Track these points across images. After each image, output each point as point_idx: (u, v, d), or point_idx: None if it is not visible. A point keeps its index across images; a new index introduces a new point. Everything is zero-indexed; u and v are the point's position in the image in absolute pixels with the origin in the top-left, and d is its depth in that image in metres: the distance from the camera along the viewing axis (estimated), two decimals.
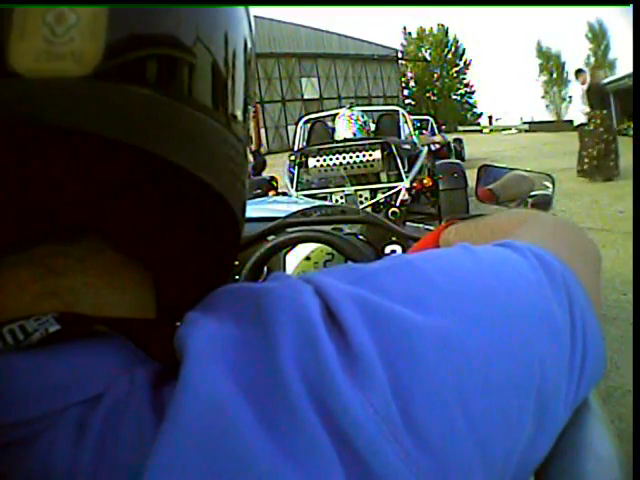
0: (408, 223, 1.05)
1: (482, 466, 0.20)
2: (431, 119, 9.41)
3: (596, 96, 6.10)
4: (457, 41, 40.54)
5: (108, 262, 0.25)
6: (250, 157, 5.28)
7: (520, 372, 0.22)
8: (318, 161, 3.82)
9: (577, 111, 6.46)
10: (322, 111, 6.21)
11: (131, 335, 0.23)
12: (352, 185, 3.85)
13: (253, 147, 5.45)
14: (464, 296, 0.23)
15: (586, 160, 6.12)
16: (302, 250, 0.94)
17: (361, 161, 3.78)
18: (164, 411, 0.18)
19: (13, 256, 0.23)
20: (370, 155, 3.77)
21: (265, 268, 0.91)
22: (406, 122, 4.89)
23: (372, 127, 4.85)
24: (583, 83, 6.21)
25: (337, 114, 4.71)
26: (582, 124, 6.43)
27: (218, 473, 0.17)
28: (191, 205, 0.27)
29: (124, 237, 0.26)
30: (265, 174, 5.14)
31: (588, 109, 6.19)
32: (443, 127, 13.04)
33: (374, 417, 0.18)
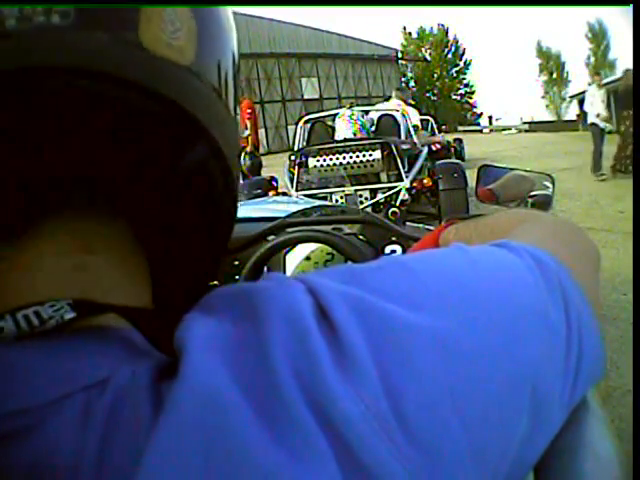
0: (408, 223, 1.05)
1: (475, 463, 0.20)
2: (431, 119, 9.39)
3: (627, 97, 6.16)
4: (457, 41, 40.53)
5: (125, 250, 0.27)
6: (247, 158, 5.28)
7: (513, 371, 0.23)
8: (318, 161, 3.82)
9: (592, 113, 6.52)
10: (322, 111, 6.20)
11: (138, 324, 0.24)
12: (352, 185, 3.85)
13: (249, 149, 5.42)
14: (456, 296, 0.23)
15: (629, 162, 6.20)
16: (302, 250, 0.94)
17: (361, 161, 3.78)
18: (162, 403, 0.19)
19: (56, 226, 0.25)
20: (370, 155, 3.77)
21: (265, 268, 0.91)
22: (406, 122, 4.89)
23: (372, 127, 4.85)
24: (600, 84, 6.32)
25: (337, 114, 4.71)
26: (593, 123, 6.50)
27: (214, 463, 0.17)
28: (201, 187, 0.28)
29: (144, 223, 0.28)
30: (264, 174, 5.14)
31: (602, 111, 6.27)
32: (443, 127, 13.00)
33: (365, 413, 0.19)
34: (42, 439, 0.19)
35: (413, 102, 5.41)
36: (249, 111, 5.38)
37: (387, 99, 5.58)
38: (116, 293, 0.26)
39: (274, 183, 4.39)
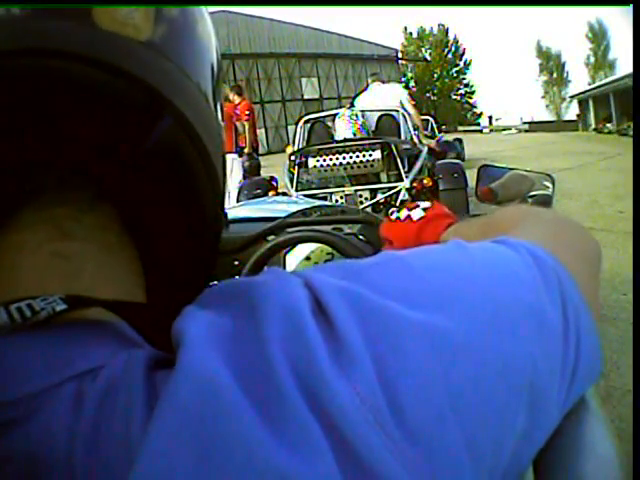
0: None
1: (471, 458, 0.20)
2: (431, 119, 9.38)
3: None
4: (457, 41, 40.54)
5: (108, 240, 0.27)
6: (245, 159, 5.28)
7: (509, 368, 0.23)
8: (318, 161, 3.82)
9: None
10: (322, 111, 6.19)
11: (129, 319, 0.24)
12: (352, 185, 3.85)
13: (247, 149, 5.42)
14: (453, 292, 0.23)
15: None
16: (302, 250, 0.94)
17: (361, 161, 3.77)
18: (156, 393, 0.19)
19: (32, 214, 0.26)
20: (370, 155, 3.76)
21: (265, 268, 0.91)
22: (406, 122, 4.89)
23: (372, 127, 4.85)
24: None
25: (337, 114, 4.71)
26: None
27: (211, 452, 0.18)
28: (186, 177, 0.28)
29: (130, 210, 0.29)
30: (264, 174, 5.14)
31: None
32: (443, 127, 13.00)
33: (360, 405, 0.19)
34: (36, 428, 0.19)
35: (414, 102, 5.30)
36: (247, 112, 5.38)
37: (358, 94, 5.43)
38: (101, 283, 0.26)
39: (274, 183, 4.39)
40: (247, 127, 5.36)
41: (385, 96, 4.89)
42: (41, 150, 0.26)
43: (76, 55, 0.23)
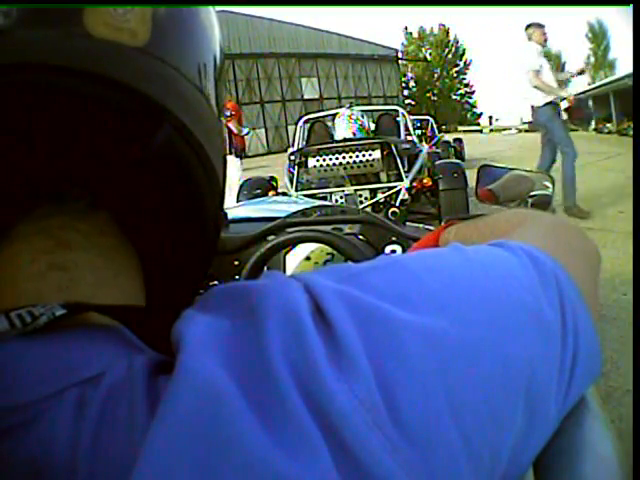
0: (408, 223, 1.04)
1: (468, 460, 0.20)
2: (431, 119, 9.38)
3: None
4: (457, 41, 40.55)
5: (107, 245, 0.27)
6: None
7: (507, 370, 0.23)
8: (318, 161, 3.82)
9: None
10: (322, 111, 6.18)
11: (128, 324, 0.24)
12: (352, 185, 3.85)
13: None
14: (451, 294, 0.24)
15: None
16: (302, 250, 0.94)
17: (361, 161, 3.77)
18: (158, 398, 0.19)
19: (28, 226, 0.25)
20: (370, 155, 3.77)
21: (265, 268, 0.91)
22: (406, 122, 4.88)
23: (372, 127, 4.85)
24: None
25: (337, 114, 4.71)
26: None
27: (212, 455, 0.18)
28: (186, 182, 0.28)
29: (128, 216, 0.28)
30: (264, 174, 5.14)
31: None
32: (443, 127, 12.99)
33: (358, 407, 0.19)
34: (38, 434, 0.19)
35: (414, 102, 5.25)
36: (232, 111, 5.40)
37: (386, 99, 5.40)
38: (101, 290, 0.26)
39: (274, 183, 4.39)
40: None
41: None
42: (35, 164, 0.25)
43: (65, 68, 0.22)
